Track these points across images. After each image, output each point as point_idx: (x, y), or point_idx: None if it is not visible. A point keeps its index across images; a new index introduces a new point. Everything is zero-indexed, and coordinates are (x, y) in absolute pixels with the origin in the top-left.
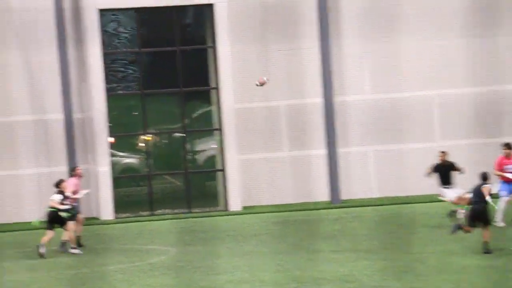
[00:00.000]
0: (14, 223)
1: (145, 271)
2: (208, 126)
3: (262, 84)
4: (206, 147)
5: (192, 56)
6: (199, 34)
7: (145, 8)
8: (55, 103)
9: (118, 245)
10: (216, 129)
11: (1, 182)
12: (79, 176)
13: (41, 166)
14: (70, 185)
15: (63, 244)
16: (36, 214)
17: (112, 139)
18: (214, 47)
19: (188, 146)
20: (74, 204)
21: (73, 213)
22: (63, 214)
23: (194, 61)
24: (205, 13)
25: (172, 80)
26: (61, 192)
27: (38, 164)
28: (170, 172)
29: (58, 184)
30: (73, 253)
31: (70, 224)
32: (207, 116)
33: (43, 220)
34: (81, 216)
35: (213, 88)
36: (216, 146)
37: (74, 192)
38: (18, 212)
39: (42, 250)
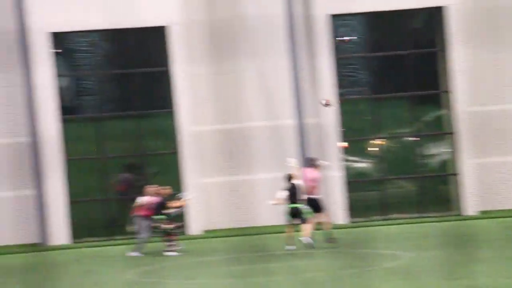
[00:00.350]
0: (251, 227)
1: (380, 276)
2: (440, 130)
3: (327, 105)
4: (438, 151)
5: (422, 59)
6: (428, 38)
7: (374, 12)
8: (286, 109)
9: (352, 249)
10: (449, 133)
11: (236, 186)
12: (318, 167)
13: (274, 171)
14: (307, 173)
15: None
16: (270, 217)
17: (344, 144)
18: (444, 51)
19: (420, 150)
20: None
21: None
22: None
23: (424, 65)
24: (435, 16)
25: (403, 84)
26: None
27: (272, 169)
28: (403, 176)
29: (289, 178)
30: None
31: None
32: (439, 120)
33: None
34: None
35: (445, 92)
36: (448, 150)
37: (313, 181)
38: (253, 216)
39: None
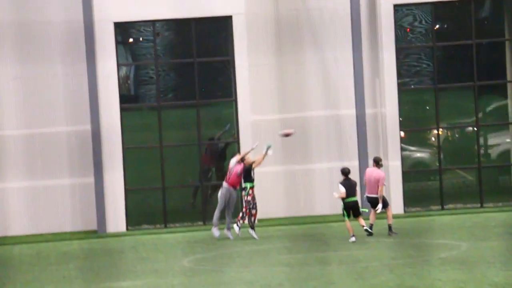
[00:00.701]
0: (304, 217)
1: (435, 266)
2: (503, 120)
3: (287, 135)
4: (499, 141)
5: (487, 49)
6: (495, 27)
7: (440, 1)
8: (348, 99)
9: (408, 239)
10: (511, 123)
11: (293, 176)
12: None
13: (334, 161)
14: (372, 173)
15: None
16: (326, 206)
17: (402, 134)
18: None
19: (481, 140)
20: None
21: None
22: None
23: (490, 54)
24: (503, 3)
25: (466, 73)
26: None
27: (330, 159)
28: (462, 167)
29: (347, 173)
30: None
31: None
32: (502, 110)
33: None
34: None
35: (510, 82)
36: (510, 140)
37: (377, 181)
38: (309, 205)
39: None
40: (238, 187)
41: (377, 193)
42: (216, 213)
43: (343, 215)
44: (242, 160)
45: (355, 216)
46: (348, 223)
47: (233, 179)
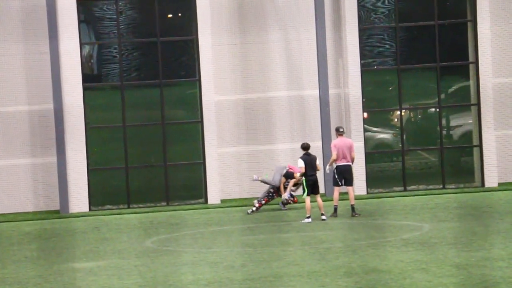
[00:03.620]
0: None
1: (397, 247)
2: (465, 101)
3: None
4: (461, 122)
5: (450, 30)
6: (458, 8)
7: None
8: (311, 79)
9: (370, 220)
10: (473, 104)
11: (256, 156)
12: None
13: (297, 141)
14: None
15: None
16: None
17: (365, 114)
18: (474, 21)
19: (443, 122)
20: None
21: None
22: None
23: (452, 36)
24: None
25: (429, 54)
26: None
27: (293, 140)
28: (424, 148)
29: (307, 148)
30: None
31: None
32: (464, 91)
33: None
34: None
35: (471, 63)
36: (471, 122)
37: (350, 148)
38: None
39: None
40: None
41: (350, 160)
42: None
43: (303, 192)
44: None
45: (314, 193)
46: (308, 201)
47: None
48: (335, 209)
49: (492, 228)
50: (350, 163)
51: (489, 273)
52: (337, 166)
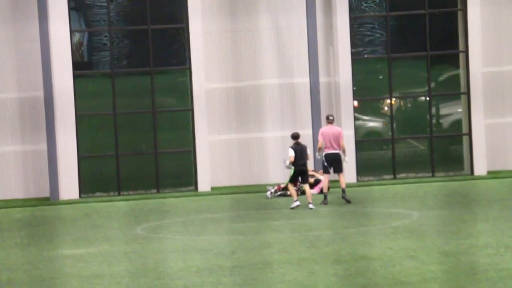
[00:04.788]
0: (258, 185)
1: (387, 234)
2: (455, 90)
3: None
4: (451, 111)
5: (440, 19)
6: None
7: None
8: (302, 67)
9: (360, 208)
10: (463, 93)
11: (246, 144)
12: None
13: (287, 129)
14: (329, 130)
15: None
16: (278, 175)
17: (355, 103)
18: (464, 10)
19: (433, 110)
20: None
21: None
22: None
23: (443, 24)
24: None
25: (419, 43)
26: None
27: (283, 128)
28: (414, 136)
29: (296, 137)
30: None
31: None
32: (454, 80)
33: None
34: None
35: (462, 52)
36: (461, 110)
37: (339, 136)
38: (263, 173)
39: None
40: None
41: (338, 148)
42: None
43: (290, 179)
44: None
45: (303, 182)
46: (292, 187)
47: None
48: (325, 197)
49: (481, 216)
50: (338, 151)
51: (477, 260)
52: (325, 154)
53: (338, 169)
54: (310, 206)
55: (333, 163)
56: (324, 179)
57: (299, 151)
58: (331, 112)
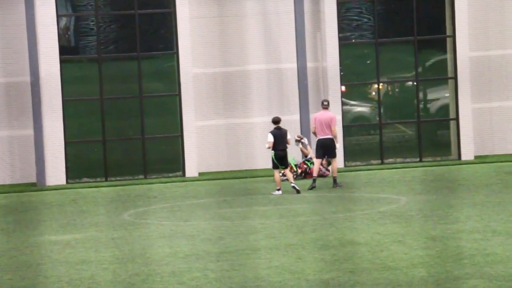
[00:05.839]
0: (245, 170)
1: (374, 219)
2: (442, 75)
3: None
4: (439, 96)
5: (427, 4)
6: None
7: None
8: (289, 52)
9: (348, 193)
10: (450, 78)
11: (234, 129)
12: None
13: (275, 114)
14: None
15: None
16: (265, 160)
17: (343, 88)
18: None
19: (420, 95)
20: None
21: None
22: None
23: (430, 9)
24: None
25: (406, 28)
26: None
27: (271, 113)
28: (402, 121)
29: (277, 122)
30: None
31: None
32: (441, 65)
33: None
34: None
35: (449, 36)
36: (448, 95)
37: (332, 120)
38: (250, 159)
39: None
40: None
41: (330, 134)
42: None
43: (273, 165)
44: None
45: (284, 166)
46: (277, 174)
47: None
48: (314, 181)
49: (468, 201)
50: (330, 136)
51: (464, 245)
52: (317, 140)
53: (330, 154)
54: (292, 185)
55: (325, 148)
56: (316, 163)
57: (279, 135)
58: (320, 97)
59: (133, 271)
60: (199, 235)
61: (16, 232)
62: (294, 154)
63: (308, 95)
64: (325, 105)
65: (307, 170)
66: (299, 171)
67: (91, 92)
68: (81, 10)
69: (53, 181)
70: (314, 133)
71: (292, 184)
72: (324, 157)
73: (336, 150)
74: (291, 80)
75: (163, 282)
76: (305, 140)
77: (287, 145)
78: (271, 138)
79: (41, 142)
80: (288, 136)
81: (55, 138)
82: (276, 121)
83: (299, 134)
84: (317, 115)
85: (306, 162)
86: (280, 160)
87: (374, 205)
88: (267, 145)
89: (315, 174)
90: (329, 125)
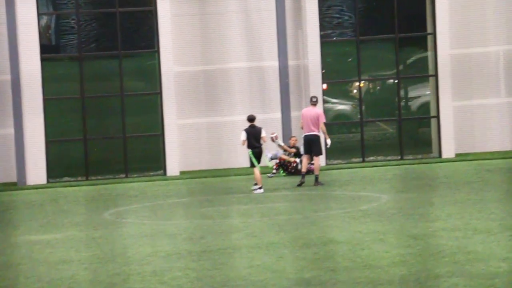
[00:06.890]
0: (227, 169)
1: (356, 218)
2: (423, 73)
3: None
4: (420, 93)
5: (408, 1)
6: None
7: None
8: (270, 50)
9: (329, 191)
10: (431, 75)
11: (215, 128)
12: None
13: (256, 113)
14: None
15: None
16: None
17: (324, 86)
18: None
19: (401, 93)
20: None
21: None
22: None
23: (411, 6)
24: None
25: (387, 26)
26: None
27: (253, 111)
28: (383, 119)
29: (251, 120)
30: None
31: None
32: (422, 62)
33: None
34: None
35: (430, 34)
36: (429, 93)
37: (321, 117)
38: (232, 158)
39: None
40: None
41: (317, 130)
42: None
43: (251, 164)
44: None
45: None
46: (257, 172)
47: None
48: (303, 176)
49: (449, 199)
50: (315, 133)
51: (445, 243)
52: (303, 136)
53: (314, 151)
54: (254, 187)
55: (311, 144)
56: (304, 159)
57: (253, 133)
58: (301, 95)
59: (114, 271)
60: (181, 234)
61: None
62: (274, 152)
63: (290, 93)
64: (314, 102)
65: (298, 166)
66: (275, 169)
67: (72, 91)
68: (62, 9)
69: (34, 180)
70: (302, 129)
71: (255, 184)
72: (311, 152)
73: (328, 147)
74: (272, 78)
75: (144, 281)
76: (278, 141)
77: (263, 142)
78: (243, 136)
79: (22, 141)
80: (263, 134)
81: (35, 137)
82: (251, 119)
83: (274, 132)
84: (304, 111)
85: (293, 156)
86: (256, 157)
87: (355, 203)
88: (241, 143)
89: (303, 169)
90: (316, 122)
